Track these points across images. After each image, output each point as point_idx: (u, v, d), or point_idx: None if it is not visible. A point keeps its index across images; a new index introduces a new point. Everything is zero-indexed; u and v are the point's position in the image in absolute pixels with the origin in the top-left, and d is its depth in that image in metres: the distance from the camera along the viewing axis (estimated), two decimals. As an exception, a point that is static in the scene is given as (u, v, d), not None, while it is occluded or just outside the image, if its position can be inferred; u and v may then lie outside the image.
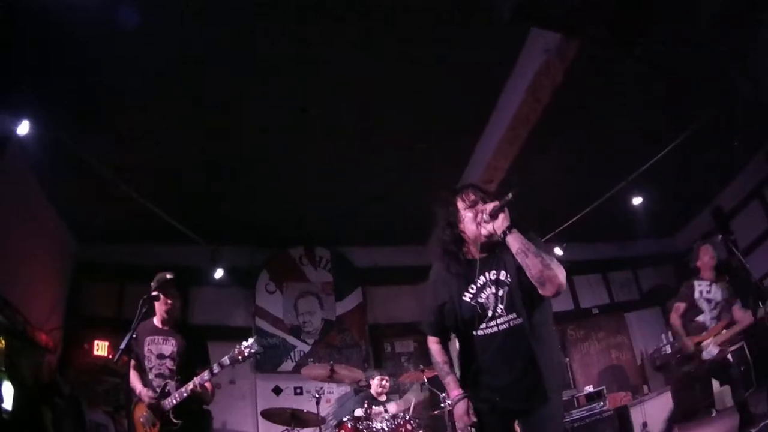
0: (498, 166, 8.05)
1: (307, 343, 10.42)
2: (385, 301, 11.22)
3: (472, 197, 3.41)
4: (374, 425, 6.68)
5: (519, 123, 7.17)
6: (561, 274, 3.07)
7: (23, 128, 6.18)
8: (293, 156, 8.27)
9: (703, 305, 6.44)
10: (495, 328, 3.25)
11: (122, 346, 4.54)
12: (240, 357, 5.01)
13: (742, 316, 6.20)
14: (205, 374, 4.90)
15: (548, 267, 3.05)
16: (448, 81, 7.04)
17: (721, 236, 6.49)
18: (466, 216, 3.36)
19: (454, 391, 3.38)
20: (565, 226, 9.31)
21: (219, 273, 9.84)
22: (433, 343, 3.63)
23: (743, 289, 6.29)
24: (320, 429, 7.12)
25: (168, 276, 5.20)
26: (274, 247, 10.90)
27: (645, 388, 10.38)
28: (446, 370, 3.52)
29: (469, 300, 3.34)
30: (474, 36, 6.33)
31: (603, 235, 11.46)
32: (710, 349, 6.16)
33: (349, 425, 6.64)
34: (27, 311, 7.33)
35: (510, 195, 3.12)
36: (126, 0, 5.36)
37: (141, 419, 5.02)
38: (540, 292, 3.10)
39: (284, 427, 7.25)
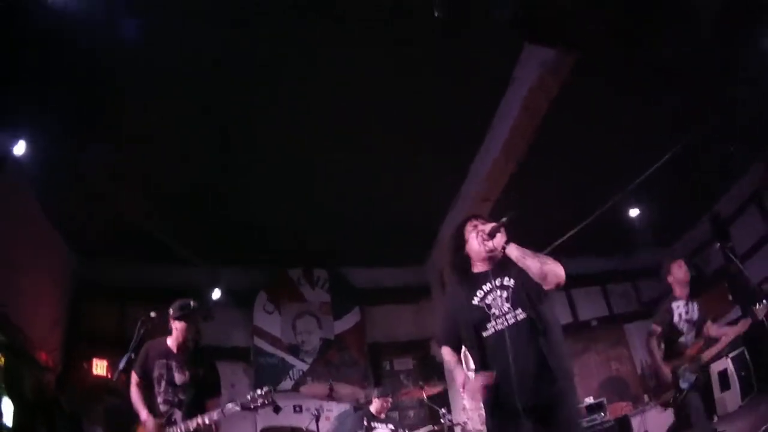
0: (496, 179, 8.07)
1: (305, 362, 10.42)
2: (384, 320, 11.23)
3: (475, 223, 3.95)
4: (374, 442, 6.66)
5: (516, 136, 7.22)
6: (558, 267, 3.54)
7: (19, 148, 6.17)
8: (292, 176, 8.32)
9: (683, 326, 6.16)
10: (503, 324, 3.60)
11: (121, 366, 4.58)
12: (252, 405, 4.89)
13: (720, 332, 6.06)
14: (214, 414, 4.81)
15: (545, 263, 3.53)
16: (445, 97, 7.10)
17: (719, 244, 6.34)
18: (470, 237, 3.89)
19: (462, 373, 3.82)
20: (563, 239, 9.33)
21: (217, 294, 9.81)
22: (445, 350, 4.05)
23: (741, 294, 6.16)
24: (319, 446, 7.08)
25: (192, 303, 5.20)
26: (272, 267, 10.91)
27: (645, 397, 10.36)
28: (454, 362, 3.96)
29: (477, 303, 3.74)
30: (471, 48, 6.35)
31: (601, 247, 11.46)
32: (687, 376, 5.94)
33: (349, 442, 6.61)
34: (27, 329, 7.30)
35: (505, 219, 3.68)
36: (126, 4, 5.37)
37: None
38: (544, 286, 3.54)
39: (284, 445, 7.23)
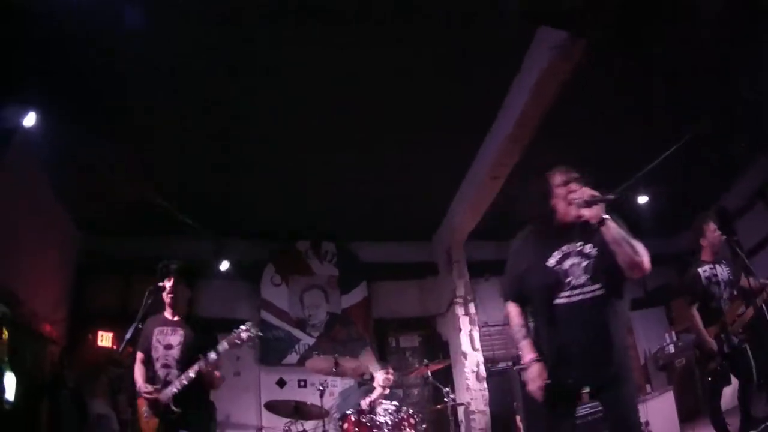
0: (503, 164, 8.04)
1: (312, 336, 10.46)
2: (390, 296, 11.26)
3: (565, 177, 3.60)
4: (377, 418, 6.71)
5: (524, 121, 7.15)
6: (647, 259, 3.26)
7: (29, 120, 6.11)
8: (299, 151, 8.26)
9: (715, 289, 5.93)
10: (580, 296, 3.36)
11: (127, 336, 4.61)
12: (237, 341, 4.97)
13: (755, 284, 5.67)
14: (202, 361, 4.86)
15: (638, 254, 3.24)
16: (454, 78, 7.03)
17: (725, 237, 6.22)
18: (558, 193, 3.56)
19: (529, 354, 3.48)
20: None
21: (225, 266, 9.88)
22: (511, 307, 3.74)
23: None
24: (324, 422, 7.16)
25: (167, 262, 5.18)
26: (280, 240, 10.92)
27: (648, 387, 10.39)
28: (523, 333, 3.62)
29: (552, 266, 3.46)
30: (480, 33, 6.30)
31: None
32: (731, 340, 5.71)
33: (353, 418, 6.66)
34: (32, 303, 7.35)
35: (613, 197, 3.33)
36: (129, 1, 5.36)
37: (144, 412, 5.04)
38: (627, 275, 3.30)
39: (288, 419, 7.30)
